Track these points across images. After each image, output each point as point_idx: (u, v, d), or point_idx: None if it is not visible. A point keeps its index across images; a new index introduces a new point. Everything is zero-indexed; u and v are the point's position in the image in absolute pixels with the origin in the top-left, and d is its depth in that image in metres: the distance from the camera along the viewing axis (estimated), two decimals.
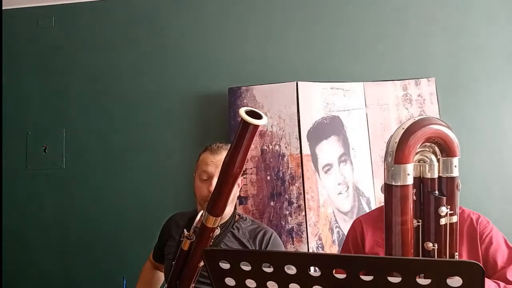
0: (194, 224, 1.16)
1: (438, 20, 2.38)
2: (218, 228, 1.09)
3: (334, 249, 2.12)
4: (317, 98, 2.24)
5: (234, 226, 1.52)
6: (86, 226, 2.50)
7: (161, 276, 1.77)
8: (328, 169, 2.20)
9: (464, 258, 1.19)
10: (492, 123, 2.28)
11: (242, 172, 1.05)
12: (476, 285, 0.63)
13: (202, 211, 1.21)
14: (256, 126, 0.98)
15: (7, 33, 2.62)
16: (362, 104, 2.29)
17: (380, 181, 2.20)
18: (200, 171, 1.52)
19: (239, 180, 1.58)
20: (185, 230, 1.15)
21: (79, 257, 2.49)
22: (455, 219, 0.91)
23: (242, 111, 0.98)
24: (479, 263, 0.63)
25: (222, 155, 1.48)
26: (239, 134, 1.00)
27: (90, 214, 2.50)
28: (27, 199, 2.57)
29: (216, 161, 1.48)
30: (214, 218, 1.06)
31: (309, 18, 2.46)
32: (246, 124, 0.97)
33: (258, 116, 0.99)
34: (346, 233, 1.84)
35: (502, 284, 1.11)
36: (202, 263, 1.11)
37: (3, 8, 2.59)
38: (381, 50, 2.39)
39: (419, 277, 0.65)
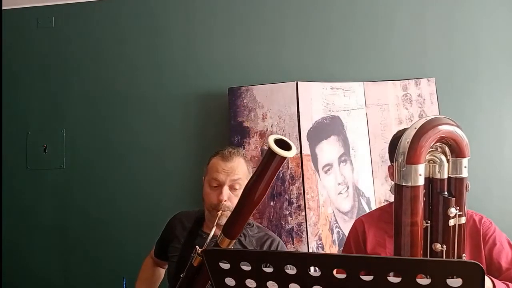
0: (207, 241, 1.16)
1: (438, 20, 2.38)
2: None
3: (334, 249, 2.12)
4: (317, 98, 2.24)
5: (241, 233, 1.51)
6: (86, 226, 2.50)
7: (161, 272, 1.76)
8: (328, 169, 2.20)
9: (467, 259, 1.19)
10: (492, 123, 2.28)
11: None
12: (476, 285, 0.63)
13: (215, 227, 1.24)
14: (283, 159, 0.97)
15: (7, 33, 2.62)
16: (362, 104, 2.29)
17: (380, 181, 2.20)
18: (210, 178, 1.45)
19: None
20: (197, 247, 1.14)
21: (79, 257, 2.49)
22: (463, 220, 0.90)
23: (271, 140, 0.96)
24: (479, 263, 0.63)
25: (233, 162, 1.43)
26: (265, 163, 0.98)
27: (90, 214, 2.50)
28: (27, 199, 2.57)
29: (227, 168, 1.42)
30: (229, 241, 1.06)
31: (309, 18, 2.46)
32: (273, 154, 0.96)
33: (287, 146, 0.97)
34: (346, 233, 1.84)
35: (511, 285, 1.11)
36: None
37: (3, 8, 2.59)
38: (381, 50, 2.39)
39: (419, 277, 0.65)
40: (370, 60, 2.39)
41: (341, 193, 2.19)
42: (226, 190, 1.40)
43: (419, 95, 2.28)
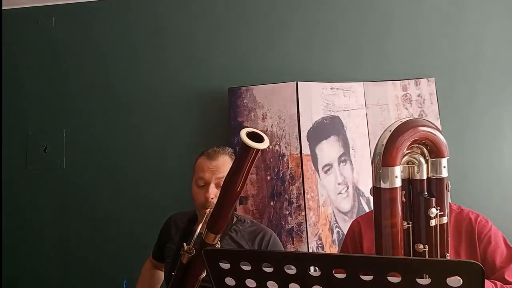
0: (194, 237, 1.16)
1: (438, 20, 2.38)
2: (218, 243, 1.10)
3: (334, 249, 2.12)
4: (317, 98, 2.24)
5: (232, 229, 1.51)
6: (86, 226, 2.50)
7: (161, 275, 1.77)
8: (328, 169, 2.20)
9: (463, 257, 1.19)
10: (492, 123, 2.28)
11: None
12: (476, 285, 0.63)
13: (201, 224, 1.23)
14: (257, 150, 0.98)
15: (7, 33, 2.62)
16: (362, 104, 2.29)
17: None
18: (197, 177, 1.48)
19: None
20: (184, 244, 1.15)
21: (79, 257, 2.49)
22: (445, 220, 0.91)
23: (243, 134, 0.97)
24: (479, 263, 0.63)
25: (219, 161, 1.46)
26: (240, 157, 0.99)
27: (90, 214, 2.50)
28: (27, 199, 2.57)
29: (212, 167, 1.45)
30: (214, 235, 1.06)
31: (309, 18, 2.46)
32: (246, 147, 0.97)
33: (260, 138, 0.98)
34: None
35: (499, 284, 1.11)
36: (201, 276, 1.12)
37: (3, 8, 2.59)
38: (381, 50, 2.39)
39: (419, 277, 0.65)
40: (370, 60, 2.39)
41: (341, 193, 2.19)
42: (212, 188, 1.42)
43: (419, 95, 2.28)
